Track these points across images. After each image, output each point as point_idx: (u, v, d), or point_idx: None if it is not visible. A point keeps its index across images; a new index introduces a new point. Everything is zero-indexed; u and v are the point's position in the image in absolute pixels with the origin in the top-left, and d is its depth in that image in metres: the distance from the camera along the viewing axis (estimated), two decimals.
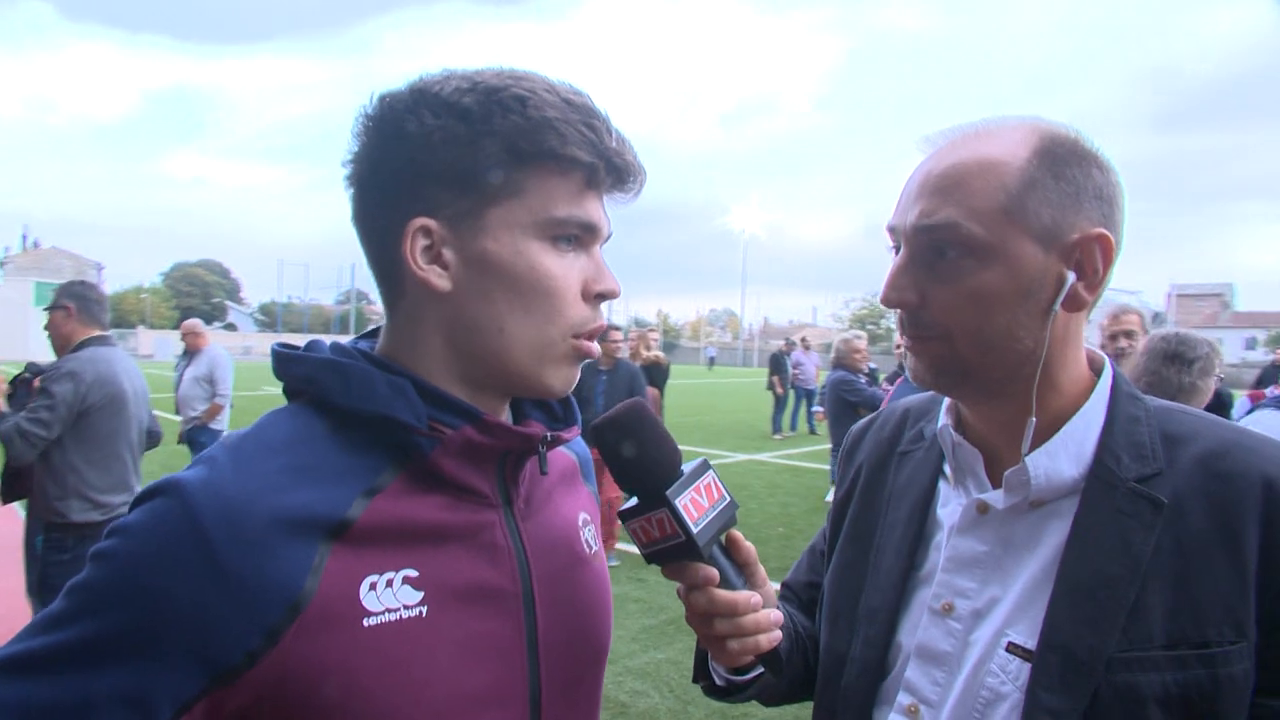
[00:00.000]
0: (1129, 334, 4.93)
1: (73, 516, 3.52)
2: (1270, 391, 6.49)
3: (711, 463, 0.93)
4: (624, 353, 7.17)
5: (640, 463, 0.87)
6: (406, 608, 0.79)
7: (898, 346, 7.30)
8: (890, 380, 7.26)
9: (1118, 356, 4.91)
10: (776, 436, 15.82)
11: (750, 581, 0.93)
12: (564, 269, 0.84)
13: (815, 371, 16.12)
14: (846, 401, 6.58)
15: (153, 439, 4.73)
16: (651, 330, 9.63)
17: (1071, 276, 0.88)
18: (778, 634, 0.90)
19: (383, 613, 0.77)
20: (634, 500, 0.88)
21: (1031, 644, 0.88)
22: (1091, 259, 0.89)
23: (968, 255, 0.88)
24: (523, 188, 0.82)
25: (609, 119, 0.86)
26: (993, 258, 0.87)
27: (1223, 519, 0.84)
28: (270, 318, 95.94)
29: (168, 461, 6.36)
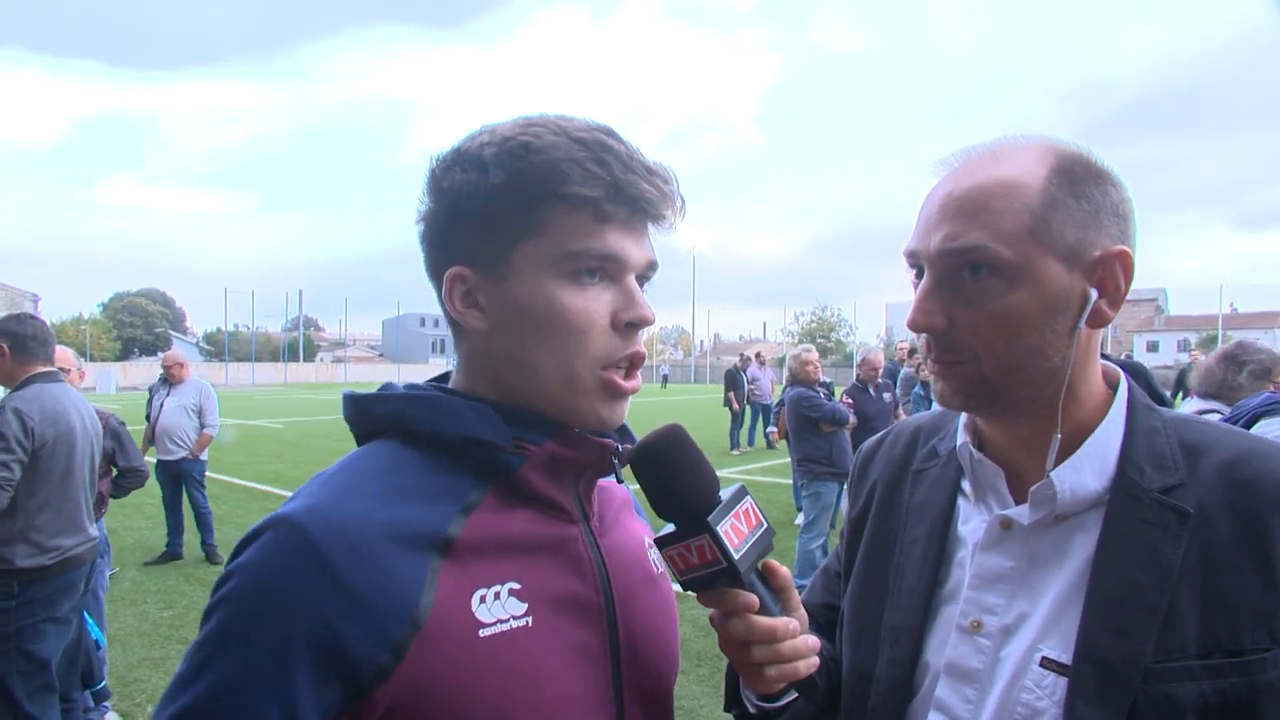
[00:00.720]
0: None
1: (17, 562, 3.32)
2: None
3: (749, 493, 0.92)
4: None
5: (680, 489, 0.87)
6: (515, 618, 0.83)
7: (868, 365, 7.38)
8: (850, 394, 7.31)
9: None
10: (735, 452, 15.86)
11: (785, 607, 0.93)
12: (585, 302, 0.87)
13: (771, 386, 16.21)
14: (808, 418, 6.61)
15: (138, 477, 4.56)
16: None
17: (1094, 294, 0.89)
18: (816, 660, 0.91)
19: (495, 624, 0.82)
20: (670, 527, 0.88)
21: (1066, 658, 0.88)
22: (1113, 276, 0.90)
23: (995, 277, 0.88)
24: (539, 228, 0.86)
25: (631, 152, 0.88)
26: (1020, 279, 0.88)
27: (1248, 526, 0.86)
28: (216, 347, 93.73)
29: (134, 500, 6.07)
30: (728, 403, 16.22)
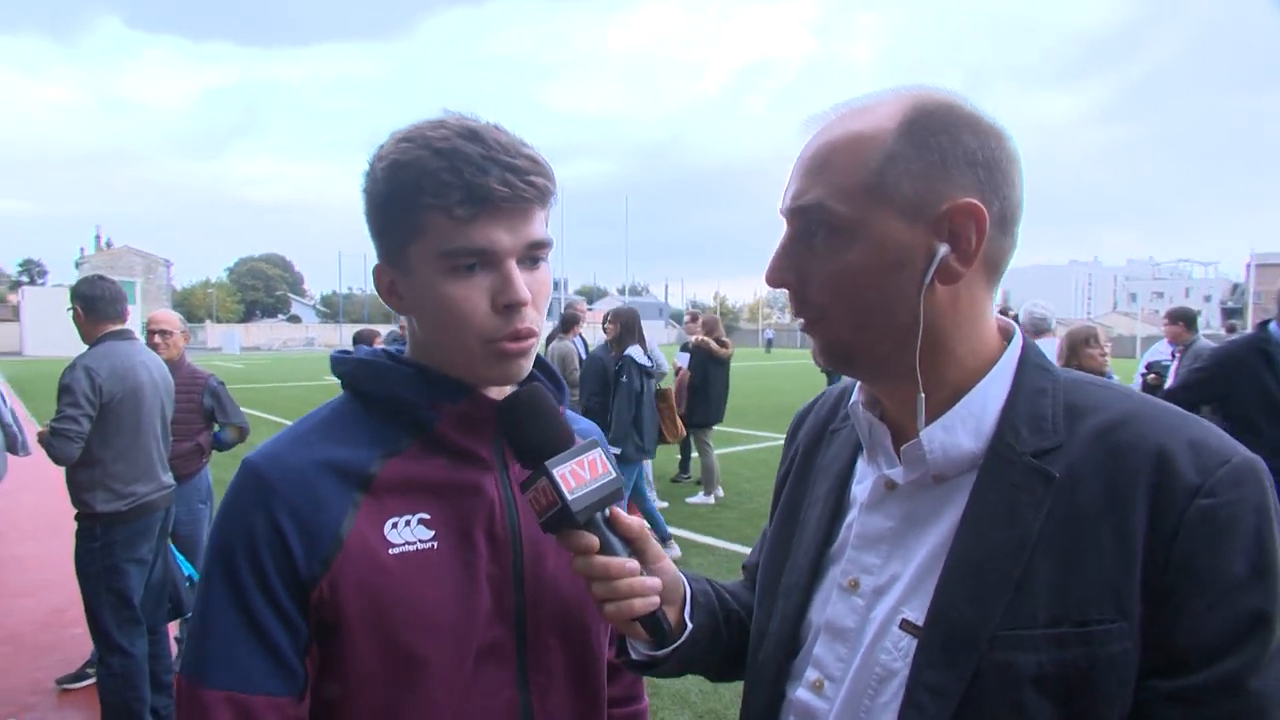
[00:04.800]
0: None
1: (97, 507, 3.62)
2: None
3: (603, 446, 1.02)
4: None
5: (528, 439, 1.00)
6: (421, 541, 1.02)
7: None
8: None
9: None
10: None
11: (641, 557, 1.01)
12: (466, 291, 0.99)
13: None
14: None
15: (239, 433, 4.83)
16: (696, 315, 9.39)
17: (943, 248, 0.85)
18: (655, 599, 0.98)
19: (402, 544, 1.00)
20: (530, 473, 0.98)
21: (922, 621, 0.86)
22: (965, 229, 0.85)
23: (834, 233, 0.87)
24: (420, 231, 0.99)
25: (481, 153, 0.96)
26: (856, 235, 0.86)
27: (1112, 492, 0.80)
28: (332, 309, 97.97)
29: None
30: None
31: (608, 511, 1.00)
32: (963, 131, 0.86)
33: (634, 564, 0.98)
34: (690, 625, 1.06)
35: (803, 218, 0.90)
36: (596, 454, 0.99)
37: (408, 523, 1.01)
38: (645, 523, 1.03)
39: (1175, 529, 0.77)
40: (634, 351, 6.56)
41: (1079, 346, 4.98)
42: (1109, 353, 5.13)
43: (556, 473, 0.94)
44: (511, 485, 1.08)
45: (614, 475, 0.99)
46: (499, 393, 1.08)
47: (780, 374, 30.62)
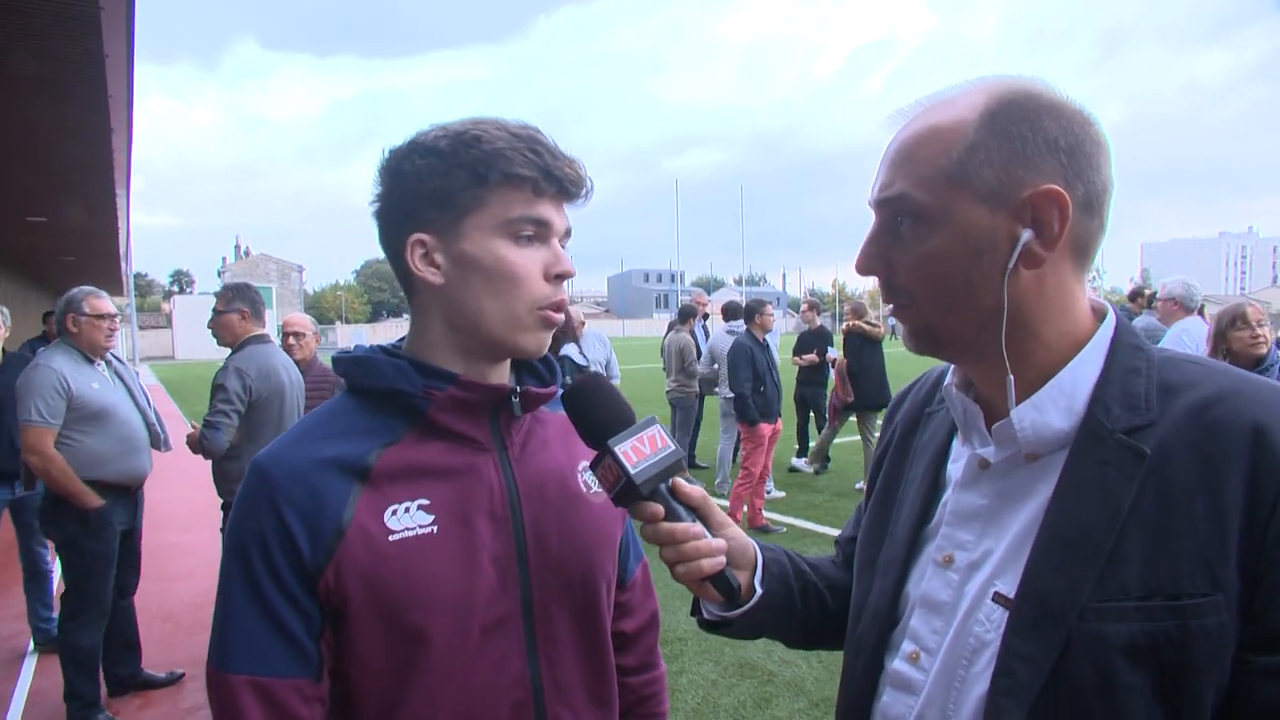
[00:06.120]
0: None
1: None
2: None
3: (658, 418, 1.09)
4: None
5: (591, 421, 1.08)
6: (421, 526, 1.07)
7: None
8: None
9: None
10: None
11: (706, 522, 1.07)
12: (524, 258, 1.08)
13: None
14: None
15: None
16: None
17: (1027, 234, 0.88)
18: (721, 559, 1.04)
19: (402, 530, 1.06)
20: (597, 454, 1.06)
21: (1014, 593, 0.89)
22: (1048, 214, 0.88)
23: (919, 222, 0.91)
24: (486, 201, 1.07)
25: (553, 145, 1.10)
26: (940, 223, 0.90)
27: (1207, 470, 0.82)
28: None
29: None
30: None
31: (670, 482, 1.06)
32: (1044, 118, 0.88)
33: (698, 528, 1.04)
34: (760, 590, 1.11)
35: (889, 208, 0.94)
36: (655, 430, 1.06)
37: (407, 509, 1.06)
38: (705, 491, 1.09)
39: (1273, 505, 0.78)
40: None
41: (1225, 329, 4.32)
42: (1265, 334, 4.33)
43: (619, 450, 1.02)
44: (512, 466, 1.14)
45: (673, 448, 1.05)
46: (496, 376, 1.16)
47: (904, 360, 29.75)
